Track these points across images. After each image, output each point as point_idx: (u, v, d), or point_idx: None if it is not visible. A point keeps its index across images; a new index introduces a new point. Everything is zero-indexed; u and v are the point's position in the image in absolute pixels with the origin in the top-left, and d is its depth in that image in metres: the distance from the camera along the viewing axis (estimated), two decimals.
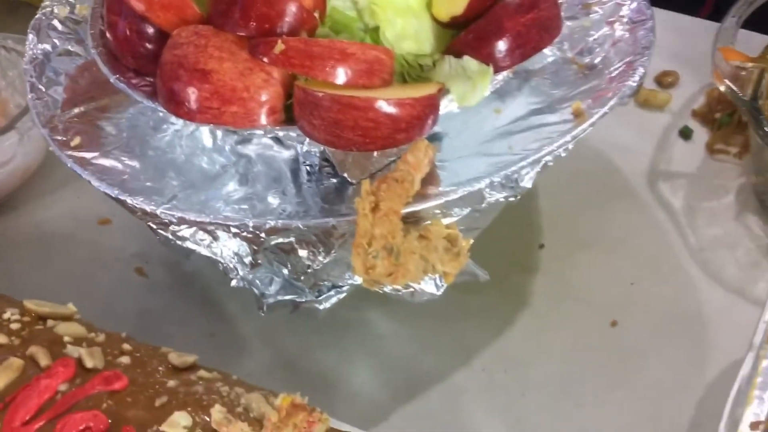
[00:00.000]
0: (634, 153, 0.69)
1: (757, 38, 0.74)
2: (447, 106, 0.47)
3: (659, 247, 0.62)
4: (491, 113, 0.52)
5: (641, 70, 0.50)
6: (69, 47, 0.59)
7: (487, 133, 0.51)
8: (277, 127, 0.46)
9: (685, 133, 0.70)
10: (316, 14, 0.46)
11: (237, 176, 0.51)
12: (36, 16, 0.61)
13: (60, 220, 0.69)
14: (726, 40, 0.62)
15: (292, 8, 0.44)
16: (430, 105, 0.44)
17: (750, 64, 0.60)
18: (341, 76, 0.43)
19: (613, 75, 0.51)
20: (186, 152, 0.53)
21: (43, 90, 0.55)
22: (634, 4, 0.56)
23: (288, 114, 0.46)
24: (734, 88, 0.59)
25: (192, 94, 0.45)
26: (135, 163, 0.51)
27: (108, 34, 0.52)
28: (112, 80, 0.51)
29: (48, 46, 0.59)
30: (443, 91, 0.46)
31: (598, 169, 0.68)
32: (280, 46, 0.43)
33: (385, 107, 0.43)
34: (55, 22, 0.61)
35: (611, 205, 0.65)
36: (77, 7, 0.62)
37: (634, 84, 0.49)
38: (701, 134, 0.70)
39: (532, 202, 0.65)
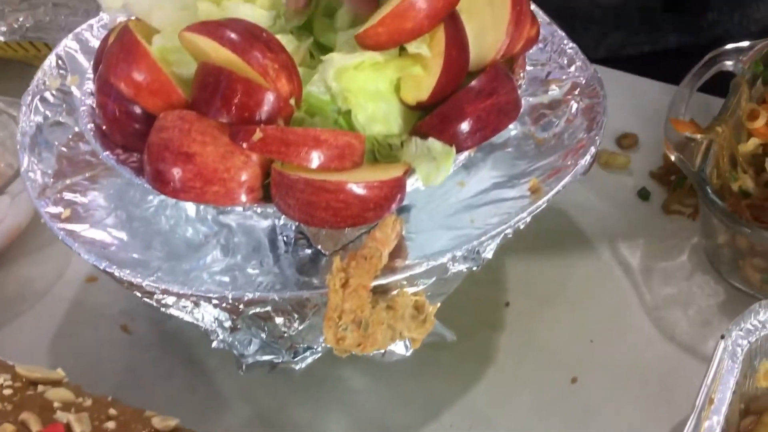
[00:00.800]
0: (596, 213, 0.73)
1: (715, 102, 0.80)
2: (413, 184, 0.51)
3: (618, 305, 0.66)
4: (455, 186, 0.57)
5: (592, 150, 0.54)
6: (60, 119, 0.63)
7: (452, 205, 0.55)
8: (255, 205, 0.50)
9: (643, 195, 0.74)
10: (292, 101, 0.50)
11: (219, 246, 0.54)
12: (29, 88, 0.64)
13: (48, 277, 0.72)
14: (677, 111, 0.67)
15: (269, 98, 0.48)
16: (397, 186, 0.48)
17: (699, 136, 0.64)
18: (314, 160, 0.47)
19: (567, 151, 0.55)
20: (170, 222, 0.56)
21: (36, 162, 0.59)
22: (587, 84, 0.60)
23: (266, 191, 0.50)
24: (683, 158, 0.63)
25: (176, 175, 0.48)
26: (122, 235, 0.54)
27: (98, 113, 0.56)
28: (101, 156, 0.54)
29: (40, 118, 0.62)
30: (410, 171, 0.50)
31: (561, 229, 0.72)
32: (258, 134, 0.47)
33: (355, 189, 0.47)
34: (47, 94, 0.64)
35: (574, 264, 0.69)
36: (68, 78, 0.66)
37: (585, 163, 0.53)
38: (658, 195, 0.74)
39: (498, 262, 0.69)
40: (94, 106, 0.56)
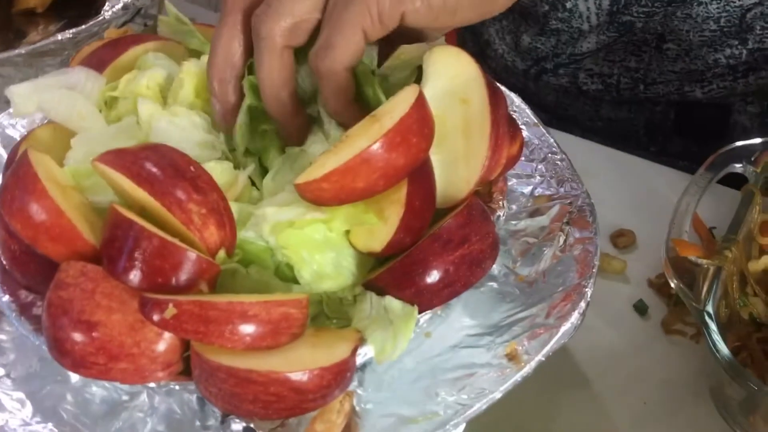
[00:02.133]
0: (587, 330, 0.64)
1: (729, 194, 0.71)
2: (366, 354, 0.42)
3: None
4: (420, 336, 0.48)
5: (582, 306, 0.46)
6: None
7: (414, 366, 0.46)
8: (173, 382, 0.41)
9: (640, 309, 0.65)
10: (222, 252, 0.42)
11: (135, 412, 0.46)
12: None
13: None
14: (679, 228, 0.58)
15: (189, 259, 0.39)
16: (343, 371, 0.39)
17: (705, 261, 0.56)
18: (240, 342, 0.38)
19: (553, 303, 0.47)
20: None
21: None
22: (579, 210, 0.52)
23: (187, 363, 0.42)
24: (685, 289, 0.55)
25: (76, 347, 0.40)
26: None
27: None
28: (1, 303, 0.46)
29: None
30: (361, 341, 0.42)
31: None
32: (171, 310, 0.38)
33: (291, 379, 0.38)
34: None
35: (559, 398, 0.60)
36: None
37: (572, 327, 0.45)
38: (657, 309, 0.66)
39: None
40: None
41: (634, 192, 0.75)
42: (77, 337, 0.40)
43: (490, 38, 0.92)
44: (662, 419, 0.59)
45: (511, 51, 0.89)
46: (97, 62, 0.54)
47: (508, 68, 0.91)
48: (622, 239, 0.71)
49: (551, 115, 0.88)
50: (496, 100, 0.46)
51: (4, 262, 0.47)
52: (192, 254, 0.40)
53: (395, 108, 0.41)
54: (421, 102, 0.41)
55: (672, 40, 0.79)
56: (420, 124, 0.41)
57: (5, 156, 0.58)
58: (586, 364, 0.63)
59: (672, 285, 0.56)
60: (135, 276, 0.40)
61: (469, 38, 0.99)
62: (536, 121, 0.58)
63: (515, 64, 0.89)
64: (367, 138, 0.40)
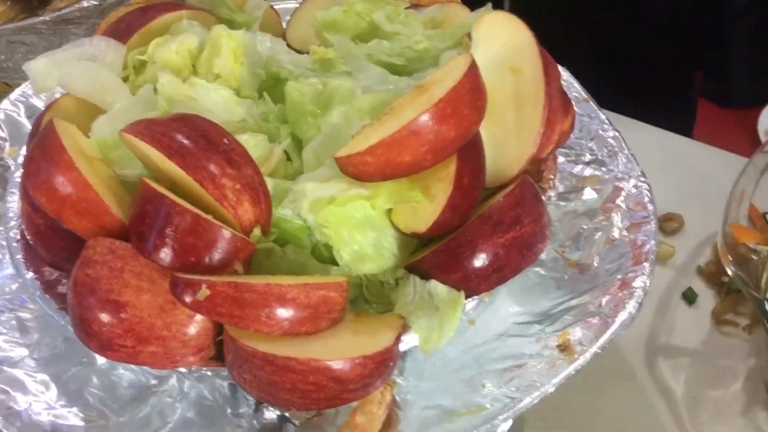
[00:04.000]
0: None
1: None
2: (410, 342, 0.39)
3: None
4: (464, 323, 0.45)
5: (639, 294, 0.42)
6: None
7: (459, 354, 0.43)
8: (205, 368, 0.39)
9: (689, 297, 0.62)
10: (257, 230, 0.39)
11: (163, 398, 0.43)
12: None
13: None
14: (737, 212, 0.55)
15: (223, 237, 0.37)
16: (386, 359, 0.37)
17: (765, 248, 0.52)
18: (278, 327, 0.36)
19: (607, 288, 0.44)
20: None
21: None
22: (635, 190, 0.49)
23: (220, 347, 0.39)
24: (743, 277, 0.51)
25: (103, 329, 0.37)
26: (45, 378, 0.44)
27: (23, 222, 0.45)
28: (23, 280, 0.44)
29: None
30: (405, 328, 0.39)
31: None
32: (204, 292, 0.35)
33: (332, 367, 0.36)
34: None
35: (603, 390, 0.57)
36: (6, 149, 0.56)
37: (629, 316, 0.42)
38: (707, 298, 0.62)
39: None
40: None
41: (683, 174, 0.72)
42: (104, 317, 0.37)
43: None
44: (713, 414, 0.55)
45: None
46: (126, 28, 0.51)
47: None
48: (670, 224, 0.68)
49: None
50: (550, 71, 0.43)
51: (28, 238, 0.44)
52: (227, 232, 0.37)
53: (446, 77, 0.38)
54: (473, 71, 0.38)
55: None
56: (472, 95, 0.38)
57: (29, 128, 0.56)
58: (631, 355, 0.60)
59: (729, 272, 0.53)
60: (166, 254, 0.37)
61: None
62: (586, 96, 0.55)
63: None
64: (415, 108, 0.37)
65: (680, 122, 0.87)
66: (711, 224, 0.66)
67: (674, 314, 0.62)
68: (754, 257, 0.53)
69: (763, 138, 1.17)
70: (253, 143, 0.43)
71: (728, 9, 0.90)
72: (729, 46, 0.93)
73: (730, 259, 0.53)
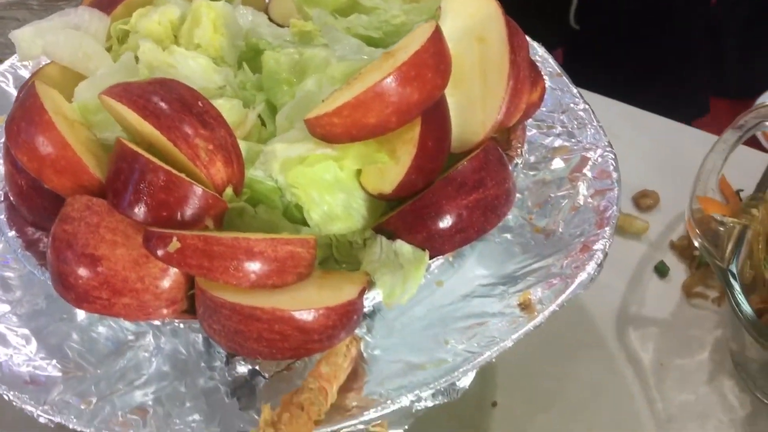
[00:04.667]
0: (604, 290, 0.63)
1: (758, 157, 0.69)
2: (375, 297, 0.41)
3: (623, 414, 0.56)
4: (432, 285, 0.47)
5: (599, 256, 0.44)
6: None
7: (425, 314, 0.45)
8: (177, 320, 0.40)
9: (661, 270, 0.64)
10: (229, 189, 0.41)
11: (140, 352, 0.45)
12: None
13: None
14: (705, 185, 0.56)
15: (195, 193, 0.38)
16: (349, 312, 0.38)
17: (731, 220, 0.54)
18: (245, 279, 0.37)
19: (569, 252, 0.45)
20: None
21: None
22: (601, 159, 0.50)
23: (192, 301, 0.41)
24: (709, 248, 0.53)
25: (79, 281, 0.39)
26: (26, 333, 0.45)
27: (6, 183, 0.46)
28: (6, 237, 0.45)
29: None
30: (369, 284, 0.40)
31: (563, 310, 0.62)
32: (175, 244, 0.37)
33: (296, 317, 0.37)
34: None
35: (575, 358, 0.59)
36: None
37: (588, 277, 0.43)
38: (679, 271, 0.64)
39: None
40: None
41: (659, 153, 0.73)
42: (81, 271, 0.39)
43: None
44: (679, 381, 0.57)
45: None
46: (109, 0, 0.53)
47: None
48: (646, 200, 0.69)
49: None
50: (517, 42, 0.44)
51: (11, 198, 0.46)
52: (198, 189, 0.39)
53: (410, 43, 0.39)
54: (437, 36, 0.39)
55: None
56: (436, 59, 0.39)
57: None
58: (603, 324, 0.61)
59: (695, 243, 0.54)
60: (140, 210, 0.39)
61: None
62: (559, 71, 0.56)
63: None
64: (381, 72, 0.38)
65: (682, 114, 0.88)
66: (686, 202, 0.67)
67: (646, 287, 0.64)
68: (721, 229, 0.54)
69: None
70: (227, 107, 0.44)
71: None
72: (723, 34, 0.94)
73: (697, 231, 0.55)
